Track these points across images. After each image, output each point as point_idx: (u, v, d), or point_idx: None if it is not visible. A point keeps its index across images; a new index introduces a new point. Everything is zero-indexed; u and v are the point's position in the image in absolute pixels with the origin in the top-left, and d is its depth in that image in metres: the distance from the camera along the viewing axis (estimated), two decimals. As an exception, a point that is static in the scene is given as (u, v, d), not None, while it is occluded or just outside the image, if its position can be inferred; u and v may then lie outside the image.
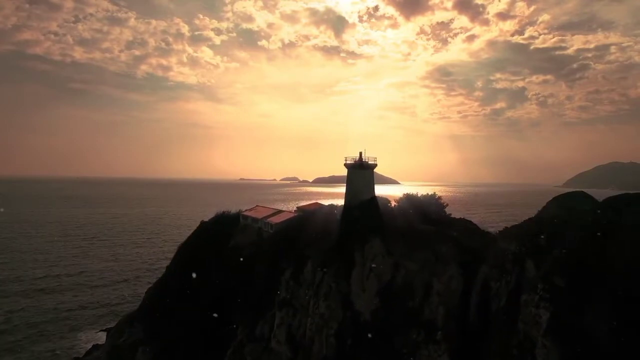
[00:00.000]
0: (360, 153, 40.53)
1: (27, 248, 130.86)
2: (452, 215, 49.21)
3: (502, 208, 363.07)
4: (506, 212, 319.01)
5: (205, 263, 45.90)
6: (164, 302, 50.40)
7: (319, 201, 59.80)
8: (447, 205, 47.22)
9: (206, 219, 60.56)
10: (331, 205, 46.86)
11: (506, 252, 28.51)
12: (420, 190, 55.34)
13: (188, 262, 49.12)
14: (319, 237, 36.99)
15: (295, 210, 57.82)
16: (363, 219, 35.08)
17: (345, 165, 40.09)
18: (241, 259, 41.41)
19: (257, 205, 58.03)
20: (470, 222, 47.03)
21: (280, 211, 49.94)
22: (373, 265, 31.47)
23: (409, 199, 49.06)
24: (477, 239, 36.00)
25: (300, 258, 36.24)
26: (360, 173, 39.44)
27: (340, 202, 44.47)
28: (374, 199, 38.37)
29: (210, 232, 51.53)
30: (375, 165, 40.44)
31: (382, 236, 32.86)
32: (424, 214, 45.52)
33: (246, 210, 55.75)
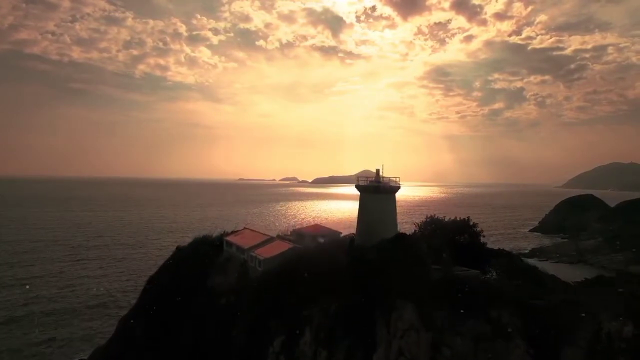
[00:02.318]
0: (378, 171, 30.07)
1: (9, 259, 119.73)
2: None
3: (506, 210, 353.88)
4: (512, 214, 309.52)
5: (176, 308, 35.83)
6: (128, 349, 40.51)
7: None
8: (483, 233, 37.02)
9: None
10: (338, 236, 36.55)
11: (616, 334, 18.57)
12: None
13: (155, 301, 39.00)
14: (322, 286, 26.71)
15: (291, 234, 47.72)
16: (383, 268, 24.75)
17: (357, 187, 29.66)
18: (218, 309, 31.27)
19: (245, 228, 47.75)
20: (514, 255, 37.01)
21: (271, 239, 39.65)
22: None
23: (434, 224, 38.99)
24: (540, 292, 25.89)
25: (295, 321, 25.93)
26: (378, 199, 28.70)
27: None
28: (399, 238, 27.89)
29: (185, 263, 41.27)
30: (398, 187, 29.93)
31: (415, 300, 22.49)
32: (455, 245, 35.50)
33: (231, 234, 45.49)
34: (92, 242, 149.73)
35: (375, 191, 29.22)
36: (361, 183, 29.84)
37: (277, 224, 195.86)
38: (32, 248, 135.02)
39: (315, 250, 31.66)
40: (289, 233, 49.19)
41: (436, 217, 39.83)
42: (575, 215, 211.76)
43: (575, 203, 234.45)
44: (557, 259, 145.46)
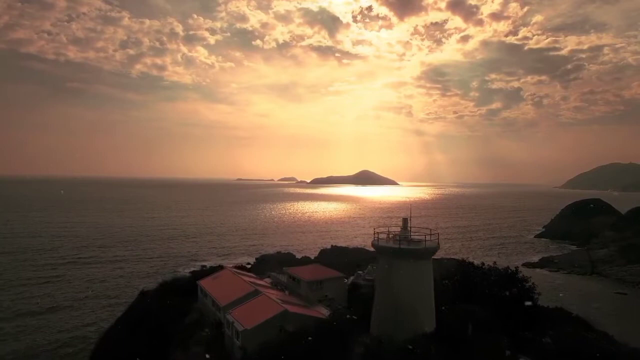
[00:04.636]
0: (405, 220, 20.32)
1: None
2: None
3: (508, 212, 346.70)
4: (514, 217, 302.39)
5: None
6: None
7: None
8: (537, 292, 27.91)
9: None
10: (342, 281, 27.37)
11: None
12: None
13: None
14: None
15: (283, 274, 38.60)
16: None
17: (376, 247, 19.70)
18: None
19: (226, 268, 38.53)
20: (577, 317, 28.04)
21: (255, 292, 30.26)
22: None
23: (466, 269, 29.95)
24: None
25: None
26: (410, 269, 18.45)
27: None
28: (441, 336, 17.81)
29: (145, 320, 32.16)
30: (437, 248, 20.04)
31: None
32: (499, 303, 26.63)
33: (209, 277, 36.27)
34: (77, 254, 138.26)
35: (410, 256, 18.92)
36: (381, 240, 19.40)
37: (271, 234, 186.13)
38: (9, 262, 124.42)
39: (315, 325, 22.55)
40: (281, 276, 40.14)
41: (468, 260, 30.89)
42: (583, 221, 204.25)
43: (582, 207, 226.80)
44: (568, 270, 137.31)
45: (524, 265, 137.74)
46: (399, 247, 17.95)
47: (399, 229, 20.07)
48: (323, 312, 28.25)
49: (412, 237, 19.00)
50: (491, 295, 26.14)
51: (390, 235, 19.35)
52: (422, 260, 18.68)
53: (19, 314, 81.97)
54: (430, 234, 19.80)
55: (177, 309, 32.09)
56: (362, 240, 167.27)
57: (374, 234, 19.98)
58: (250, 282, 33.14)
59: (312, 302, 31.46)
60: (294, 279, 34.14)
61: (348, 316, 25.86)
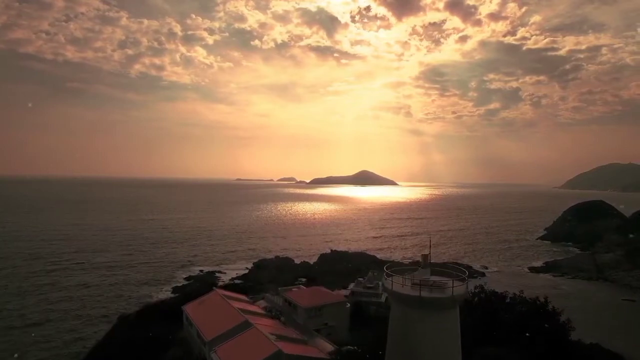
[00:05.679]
0: (425, 257, 16.28)
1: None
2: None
3: (509, 214, 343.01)
4: (515, 218, 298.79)
5: None
6: None
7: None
8: (570, 324, 24.41)
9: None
10: (343, 307, 23.86)
11: None
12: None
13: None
14: None
15: (278, 295, 34.90)
16: None
17: (389, 292, 14.97)
18: None
19: (215, 290, 34.69)
20: (614, 354, 24.54)
21: (246, 324, 26.50)
22: None
23: (490, 303, 26.01)
24: None
25: None
26: (432, 320, 14.42)
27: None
28: None
29: (127, 350, 28.43)
30: (466, 294, 15.73)
31: None
32: (525, 341, 23.02)
33: (195, 300, 32.49)
34: (74, 259, 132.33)
35: (432, 306, 14.83)
36: (395, 284, 15.06)
37: (270, 238, 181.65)
38: (4, 268, 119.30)
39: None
40: (276, 298, 36.40)
41: (487, 286, 27.20)
42: (586, 223, 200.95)
43: (585, 209, 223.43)
44: (573, 275, 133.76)
45: (529, 269, 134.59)
46: (419, 296, 14.12)
47: (409, 260, 16.47)
48: (324, 346, 24.67)
49: (434, 281, 15.11)
50: (518, 330, 22.50)
51: (406, 276, 15.46)
52: (447, 310, 14.79)
53: (10, 327, 77.75)
54: (456, 274, 15.71)
55: (159, 340, 28.46)
56: (362, 244, 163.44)
57: (385, 273, 15.95)
58: (241, 309, 29.29)
59: (310, 331, 27.89)
60: (291, 304, 30.52)
61: (348, 347, 22.32)
